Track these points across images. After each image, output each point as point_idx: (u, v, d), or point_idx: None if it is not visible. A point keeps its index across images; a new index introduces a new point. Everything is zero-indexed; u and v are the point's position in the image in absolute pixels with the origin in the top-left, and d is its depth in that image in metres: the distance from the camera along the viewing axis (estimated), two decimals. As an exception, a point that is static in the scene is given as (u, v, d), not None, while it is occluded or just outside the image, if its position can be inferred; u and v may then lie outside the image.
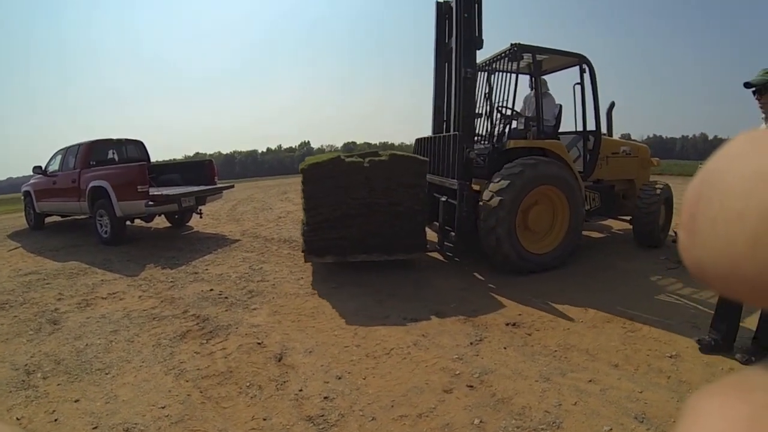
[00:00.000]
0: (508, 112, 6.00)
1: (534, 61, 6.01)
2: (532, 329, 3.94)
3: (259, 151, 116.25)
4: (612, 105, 6.82)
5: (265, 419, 2.87)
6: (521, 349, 3.59)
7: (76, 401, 3.16)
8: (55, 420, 2.96)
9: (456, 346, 3.69)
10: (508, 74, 5.91)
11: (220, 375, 3.43)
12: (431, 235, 6.24)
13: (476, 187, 5.58)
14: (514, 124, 6.24)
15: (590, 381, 3.07)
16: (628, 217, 6.82)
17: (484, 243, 5.34)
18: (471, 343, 3.72)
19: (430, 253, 6.30)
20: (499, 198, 5.09)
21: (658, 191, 6.23)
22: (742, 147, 0.21)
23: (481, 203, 5.28)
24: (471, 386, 3.09)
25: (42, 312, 4.93)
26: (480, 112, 6.53)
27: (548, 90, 6.60)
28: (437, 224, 6.08)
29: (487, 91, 6.58)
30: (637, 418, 2.66)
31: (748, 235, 0.19)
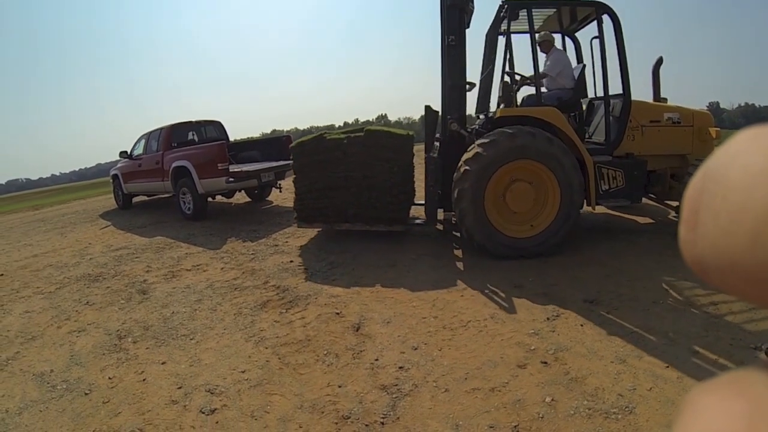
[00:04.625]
0: (517, 77, 5.59)
1: (530, 17, 5.28)
2: (611, 308, 3.75)
3: (336, 126, 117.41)
4: (659, 62, 5.89)
5: (340, 386, 2.96)
6: (598, 328, 3.44)
7: (163, 363, 3.42)
8: (144, 380, 3.21)
9: (532, 321, 3.61)
10: (527, 36, 5.39)
11: (298, 343, 3.57)
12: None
13: None
14: (531, 90, 5.68)
15: (668, 367, 2.90)
16: (676, 204, 5.62)
17: (455, 216, 5.10)
18: (548, 319, 3.62)
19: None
20: (466, 167, 4.84)
21: None
22: (745, 142, 0.21)
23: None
24: (545, 363, 3.02)
25: (132, 283, 5.35)
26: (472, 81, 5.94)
27: (561, 48, 6.05)
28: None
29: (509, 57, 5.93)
30: (714, 410, 2.48)
31: (749, 230, 0.19)
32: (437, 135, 5.76)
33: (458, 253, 5.38)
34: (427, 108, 5.52)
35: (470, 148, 4.97)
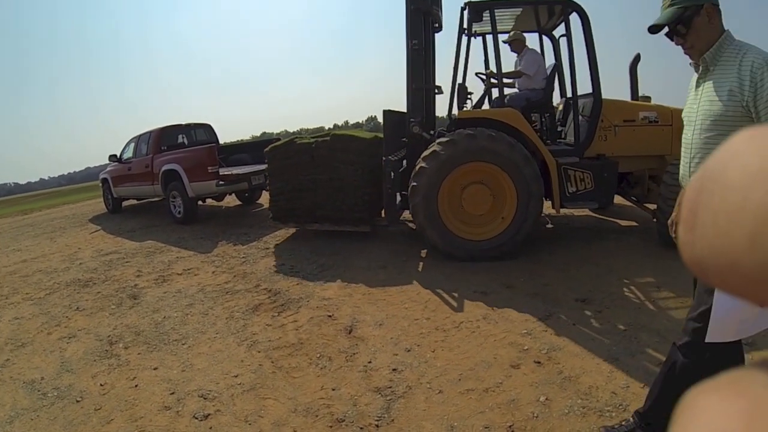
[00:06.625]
0: (493, 79, 5.59)
1: (492, 18, 5.14)
2: (602, 306, 3.76)
3: (326, 128, 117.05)
4: (637, 59, 5.77)
5: (333, 389, 2.95)
6: (590, 327, 3.45)
7: (155, 369, 3.39)
8: (135, 386, 3.18)
9: (525, 321, 3.62)
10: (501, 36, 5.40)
11: (291, 346, 3.55)
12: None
13: None
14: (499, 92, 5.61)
15: (660, 364, 2.91)
16: (654, 206, 5.26)
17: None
18: (540, 319, 3.63)
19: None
20: (421, 165, 4.90)
21: None
22: (744, 142, 0.21)
23: None
24: (538, 362, 3.02)
25: (123, 288, 5.29)
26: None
27: (533, 48, 5.98)
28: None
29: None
30: (707, 405, 2.49)
31: (748, 229, 0.19)
32: (404, 139, 5.78)
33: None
34: (385, 112, 5.52)
35: (414, 169, 5.02)
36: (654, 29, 2.08)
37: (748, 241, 0.19)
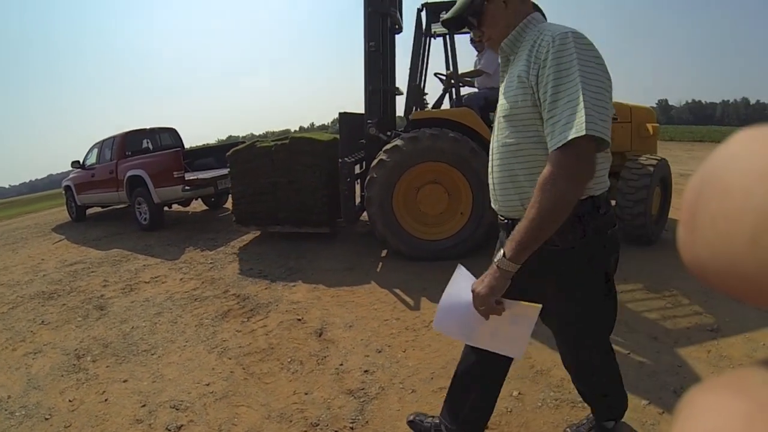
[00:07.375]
0: (454, 81, 5.60)
1: None
2: (569, 301, 3.85)
3: (292, 130, 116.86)
4: None
5: (306, 393, 2.95)
6: (560, 321, 3.53)
7: (125, 381, 3.33)
8: (105, 400, 3.12)
9: (494, 318, 3.66)
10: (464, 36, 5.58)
11: (261, 352, 3.54)
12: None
13: None
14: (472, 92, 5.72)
15: (629, 353, 2.99)
16: (613, 202, 5.20)
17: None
18: (509, 315, 3.68)
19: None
20: (371, 175, 4.99)
21: (651, 169, 4.73)
22: (743, 143, 0.21)
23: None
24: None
25: (89, 299, 5.17)
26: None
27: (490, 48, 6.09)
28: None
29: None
30: (676, 393, 2.57)
31: (747, 233, 0.19)
32: (362, 140, 5.82)
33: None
34: (341, 114, 5.56)
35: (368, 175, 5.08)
36: (449, 23, 1.82)
37: (749, 243, 0.19)
